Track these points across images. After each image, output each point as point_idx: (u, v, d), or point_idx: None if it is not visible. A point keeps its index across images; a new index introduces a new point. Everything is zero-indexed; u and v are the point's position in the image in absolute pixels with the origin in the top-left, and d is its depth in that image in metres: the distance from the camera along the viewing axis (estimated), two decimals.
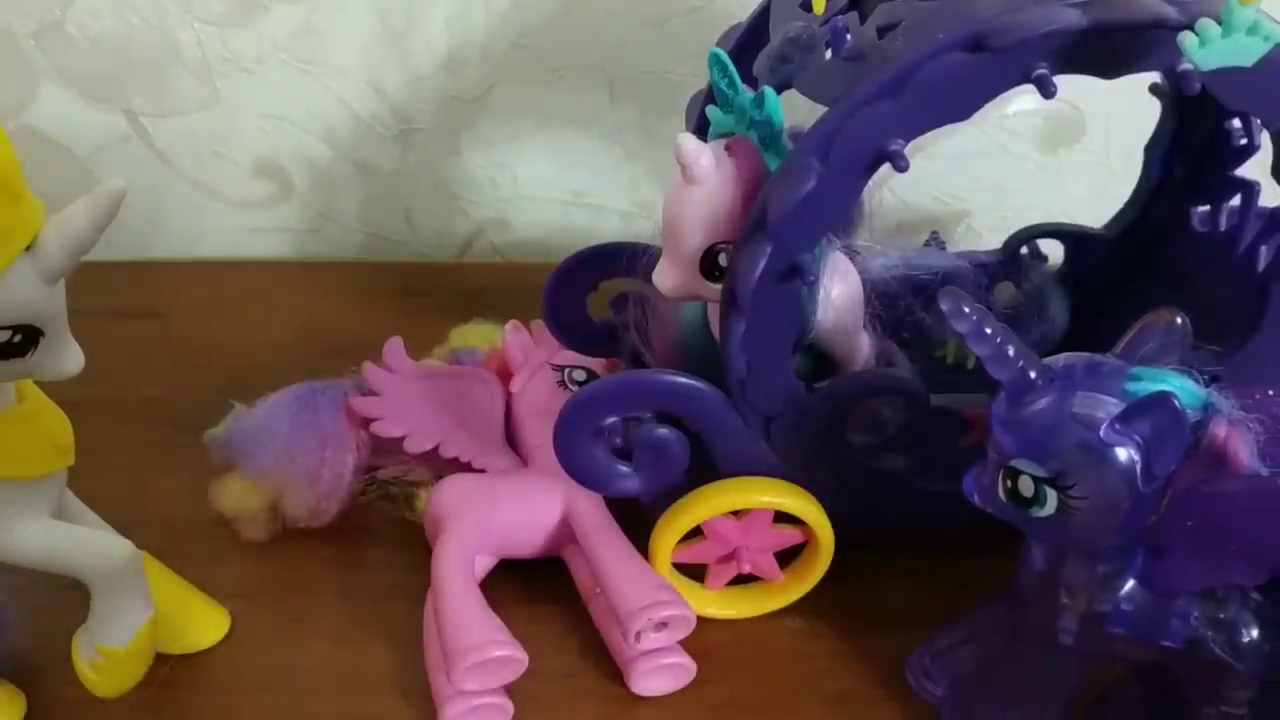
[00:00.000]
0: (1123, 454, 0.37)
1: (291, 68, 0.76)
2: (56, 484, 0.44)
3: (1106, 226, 0.62)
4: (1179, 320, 0.41)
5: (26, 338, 0.38)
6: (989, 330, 0.38)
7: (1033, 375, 0.38)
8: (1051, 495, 0.38)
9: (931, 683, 0.47)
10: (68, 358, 0.40)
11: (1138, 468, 0.37)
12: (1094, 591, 0.40)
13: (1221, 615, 0.39)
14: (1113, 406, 0.37)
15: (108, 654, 0.43)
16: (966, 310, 0.38)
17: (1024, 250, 0.63)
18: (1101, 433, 0.37)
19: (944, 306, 0.39)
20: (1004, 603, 0.45)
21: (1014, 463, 0.38)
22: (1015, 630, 0.44)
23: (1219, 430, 0.37)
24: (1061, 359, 0.39)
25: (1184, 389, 0.38)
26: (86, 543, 0.43)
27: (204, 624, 0.50)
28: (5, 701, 0.46)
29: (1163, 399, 0.36)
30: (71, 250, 0.38)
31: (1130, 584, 0.40)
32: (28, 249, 0.37)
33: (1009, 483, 0.39)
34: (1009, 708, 0.44)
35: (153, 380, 0.65)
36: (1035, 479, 0.38)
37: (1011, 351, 0.38)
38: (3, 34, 0.74)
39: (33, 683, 0.47)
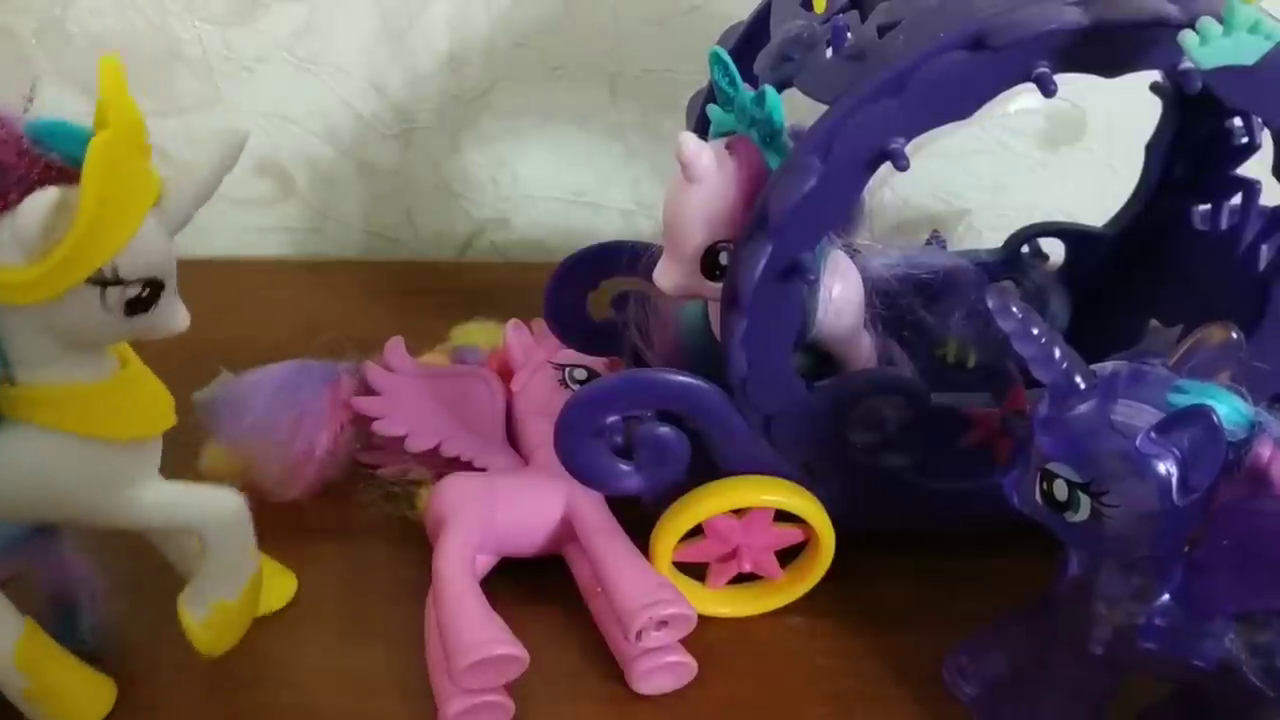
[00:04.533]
0: (1158, 465, 0.36)
1: (292, 67, 0.76)
2: (159, 446, 0.44)
3: (1107, 225, 0.62)
4: (1234, 335, 0.40)
5: (153, 292, 0.39)
6: (1035, 331, 0.38)
7: (1077, 379, 0.38)
8: (1085, 501, 0.37)
9: (966, 683, 0.46)
10: (179, 313, 0.41)
11: (1173, 480, 0.36)
12: (1127, 603, 0.40)
13: (1259, 640, 0.38)
14: (1152, 417, 0.36)
15: (221, 608, 0.44)
16: (1014, 310, 0.38)
17: (1025, 249, 0.63)
18: (1138, 442, 0.36)
19: (990, 304, 0.38)
20: (1040, 608, 0.44)
21: (1050, 466, 0.38)
22: (1048, 637, 0.43)
23: (1263, 450, 0.37)
24: (1108, 366, 0.39)
25: (1229, 405, 0.37)
26: (201, 497, 0.44)
27: (272, 586, 0.50)
28: (96, 688, 0.46)
29: (1201, 412, 0.35)
30: (198, 198, 0.40)
31: (1165, 599, 0.39)
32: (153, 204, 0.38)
33: (1045, 485, 0.38)
34: (1036, 715, 0.44)
35: None
36: (1070, 483, 0.37)
37: (1057, 354, 0.38)
38: (4, 33, 0.74)
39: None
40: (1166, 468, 0.36)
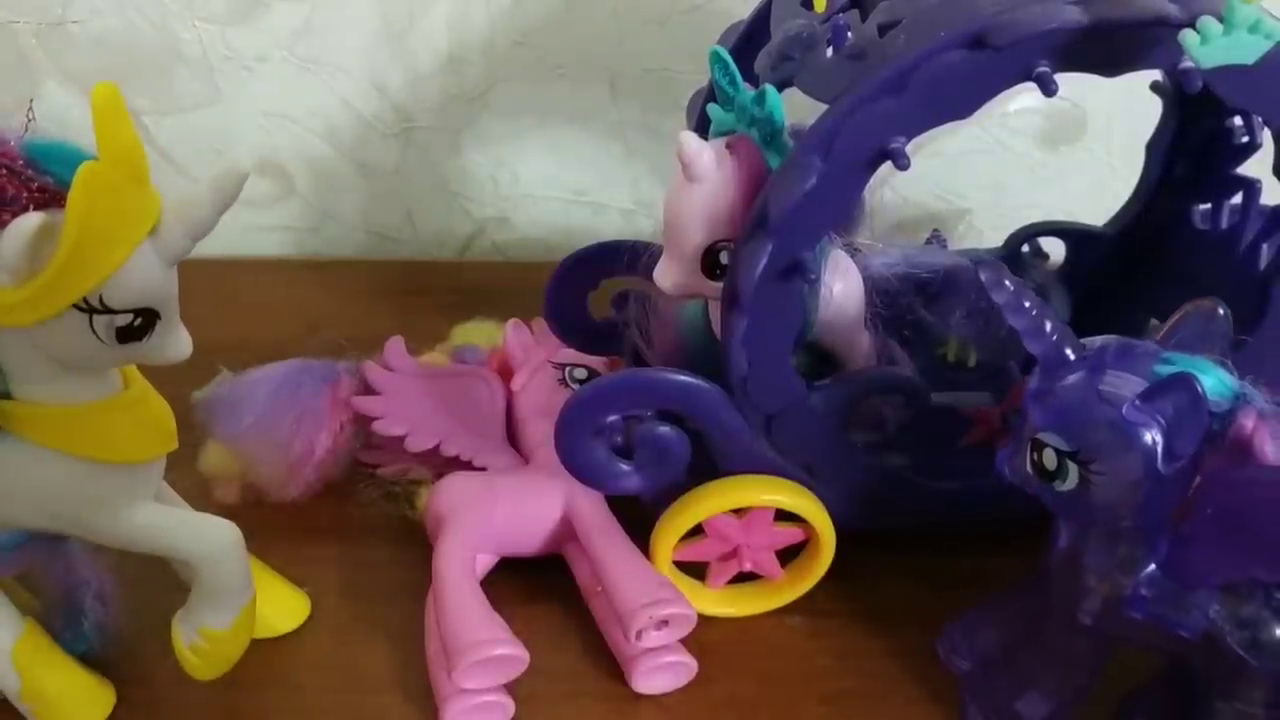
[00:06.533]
0: (1143, 433, 0.37)
1: (293, 66, 0.76)
2: (159, 469, 0.44)
3: (1108, 224, 0.62)
4: (1220, 311, 0.41)
5: (145, 321, 0.39)
6: (1027, 303, 0.39)
7: (1067, 351, 0.39)
8: (1073, 469, 0.38)
9: (960, 658, 0.47)
10: (179, 342, 0.40)
11: (1158, 448, 0.37)
12: (1114, 574, 0.40)
13: (1242, 612, 0.39)
14: (1139, 387, 0.37)
15: (209, 636, 0.43)
16: (1006, 283, 0.39)
17: (1025, 248, 0.63)
18: (1124, 410, 0.37)
19: (983, 278, 0.39)
20: (1031, 584, 0.45)
21: (1040, 435, 0.39)
22: (1039, 611, 0.44)
23: (1247, 421, 0.37)
24: (1098, 340, 0.40)
25: (1214, 376, 0.38)
26: (194, 525, 0.44)
27: (283, 608, 0.50)
28: (94, 693, 0.46)
29: (1183, 380, 0.36)
30: (193, 233, 0.39)
31: (1151, 569, 0.40)
32: (149, 233, 0.38)
33: (1035, 455, 0.39)
34: (1027, 687, 0.44)
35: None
36: (1059, 452, 0.38)
37: (1048, 326, 0.39)
38: (5, 32, 0.74)
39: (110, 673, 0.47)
40: (1151, 436, 0.37)
